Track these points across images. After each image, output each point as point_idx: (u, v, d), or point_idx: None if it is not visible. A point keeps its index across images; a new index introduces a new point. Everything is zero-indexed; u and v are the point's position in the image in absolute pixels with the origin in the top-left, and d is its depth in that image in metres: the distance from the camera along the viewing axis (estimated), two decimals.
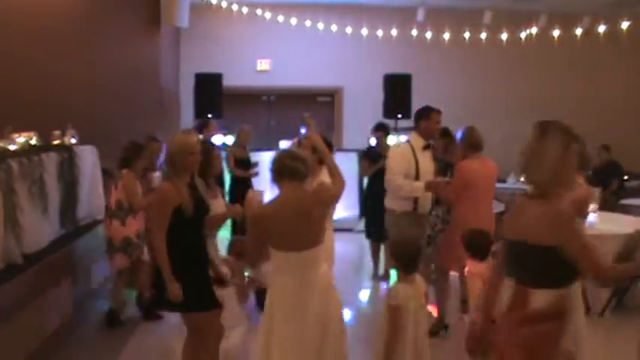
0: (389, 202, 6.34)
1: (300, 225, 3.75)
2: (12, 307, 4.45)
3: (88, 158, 6.68)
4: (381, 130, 8.47)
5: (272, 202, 3.86)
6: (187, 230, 4.21)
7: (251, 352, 4.78)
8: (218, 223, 4.69)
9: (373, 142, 8.71)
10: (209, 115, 10.34)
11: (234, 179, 8.91)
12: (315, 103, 12.83)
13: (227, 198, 8.79)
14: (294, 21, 11.27)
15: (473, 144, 5.90)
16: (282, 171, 3.81)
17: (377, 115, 11.06)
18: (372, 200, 8.18)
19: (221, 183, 7.29)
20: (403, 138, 10.76)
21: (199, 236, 4.34)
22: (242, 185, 8.52)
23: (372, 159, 8.22)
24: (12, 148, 5.09)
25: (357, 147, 10.59)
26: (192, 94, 10.78)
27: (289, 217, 3.74)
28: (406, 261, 4.19)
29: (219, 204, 4.63)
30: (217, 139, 9.44)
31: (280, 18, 11.22)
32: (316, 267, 3.83)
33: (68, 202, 6.01)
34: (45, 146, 5.74)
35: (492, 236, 5.12)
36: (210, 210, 4.44)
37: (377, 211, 8.17)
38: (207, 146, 4.79)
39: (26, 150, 5.25)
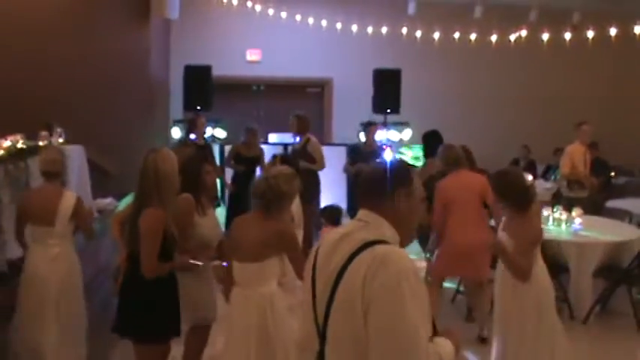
0: None
1: (245, 242, 3.91)
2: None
3: (76, 158, 6.67)
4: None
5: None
6: (162, 259, 3.89)
7: None
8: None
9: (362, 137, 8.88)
10: (198, 108, 10.31)
11: (236, 176, 8.95)
12: (304, 94, 12.81)
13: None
14: (284, 15, 11.20)
15: (449, 162, 5.96)
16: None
17: (366, 109, 11.07)
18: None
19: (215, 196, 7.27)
20: (393, 133, 10.88)
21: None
22: (244, 180, 8.45)
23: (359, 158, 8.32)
24: None
25: (345, 141, 10.58)
26: (182, 86, 10.74)
27: (240, 229, 4.00)
28: None
29: (206, 222, 4.52)
30: (207, 133, 9.49)
31: (270, 11, 11.16)
32: (259, 283, 3.92)
33: None
34: (31, 149, 5.69)
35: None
36: (199, 227, 4.39)
37: None
38: (196, 163, 4.56)
39: (12, 154, 5.23)
